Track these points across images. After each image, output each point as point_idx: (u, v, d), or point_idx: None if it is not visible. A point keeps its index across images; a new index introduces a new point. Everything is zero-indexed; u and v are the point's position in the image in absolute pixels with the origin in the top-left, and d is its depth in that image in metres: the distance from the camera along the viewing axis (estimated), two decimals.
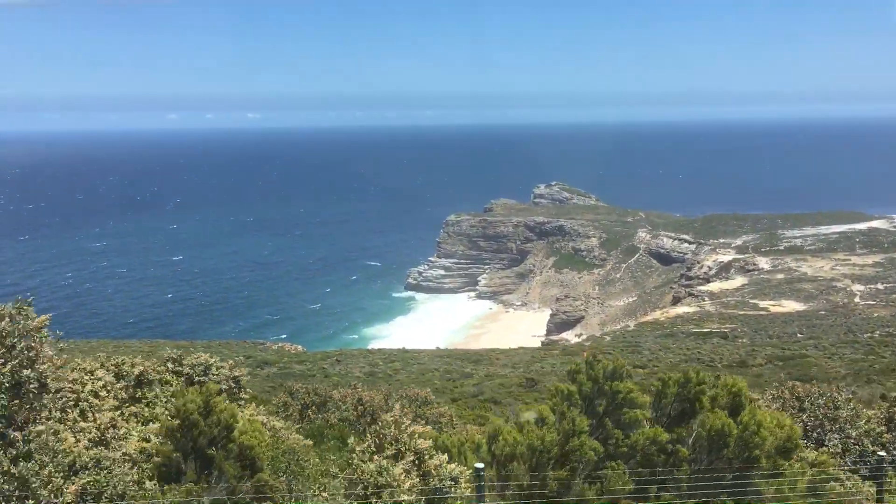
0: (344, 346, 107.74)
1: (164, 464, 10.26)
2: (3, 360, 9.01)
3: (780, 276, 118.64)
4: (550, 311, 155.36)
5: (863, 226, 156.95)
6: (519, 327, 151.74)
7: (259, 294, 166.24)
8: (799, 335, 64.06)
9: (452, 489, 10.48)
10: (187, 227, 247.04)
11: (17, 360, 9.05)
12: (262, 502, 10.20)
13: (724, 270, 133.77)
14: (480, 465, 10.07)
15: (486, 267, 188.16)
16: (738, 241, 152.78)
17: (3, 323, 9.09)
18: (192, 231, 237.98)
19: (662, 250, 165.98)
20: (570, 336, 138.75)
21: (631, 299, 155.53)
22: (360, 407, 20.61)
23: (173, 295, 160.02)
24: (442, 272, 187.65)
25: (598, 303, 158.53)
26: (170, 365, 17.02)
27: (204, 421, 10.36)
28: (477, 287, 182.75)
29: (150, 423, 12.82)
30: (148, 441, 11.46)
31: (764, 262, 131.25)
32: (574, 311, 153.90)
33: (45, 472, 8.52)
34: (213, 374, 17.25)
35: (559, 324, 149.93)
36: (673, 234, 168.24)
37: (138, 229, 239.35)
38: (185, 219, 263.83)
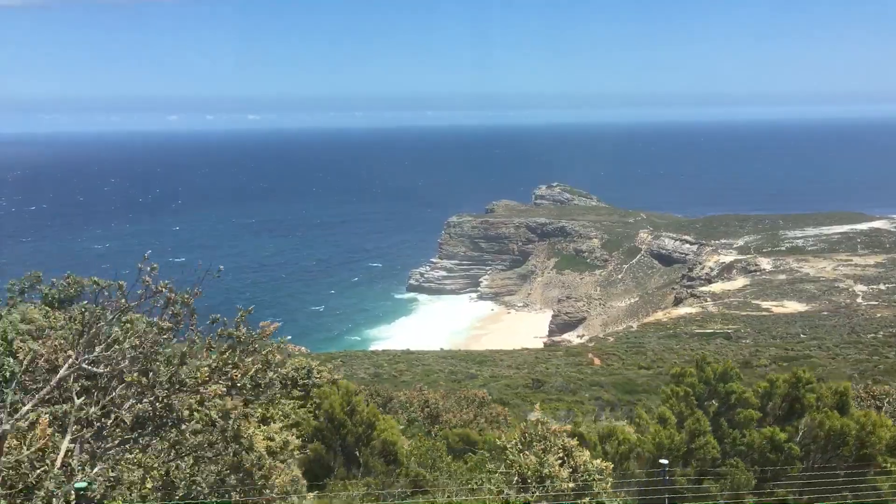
0: (347, 348, 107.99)
1: (314, 459, 10.96)
2: (244, 364, 9.96)
3: (782, 276, 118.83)
4: (552, 313, 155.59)
5: (864, 226, 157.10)
6: (521, 328, 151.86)
7: (262, 295, 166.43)
8: (802, 336, 64.25)
9: (596, 483, 11.28)
10: (190, 228, 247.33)
11: (259, 364, 10.07)
12: (414, 496, 10.81)
13: (725, 271, 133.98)
14: (665, 462, 10.84)
15: (488, 268, 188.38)
16: (740, 242, 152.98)
17: (243, 330, 10.10)
18: (195, 232, 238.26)
19: (664, 251, 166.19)
20: (573, 337, 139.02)
21: (633, 300, 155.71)
22: (426, 408, 21.06)
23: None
24: (444, 273, 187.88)
25: (600, 304, 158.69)
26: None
27: (350, 420, 11.03)
28: (479, 288, 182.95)
29: (271, 423, 13.48)
30: (272, 440, 11.99)
31: (766, 263, 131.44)
32: (576, 312, 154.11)
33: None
34: (316, 377, 17.84)
35: (561, 325, 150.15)
36: (674, 235, 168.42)
37: (141, 231, 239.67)
38: (187, 220, 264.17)
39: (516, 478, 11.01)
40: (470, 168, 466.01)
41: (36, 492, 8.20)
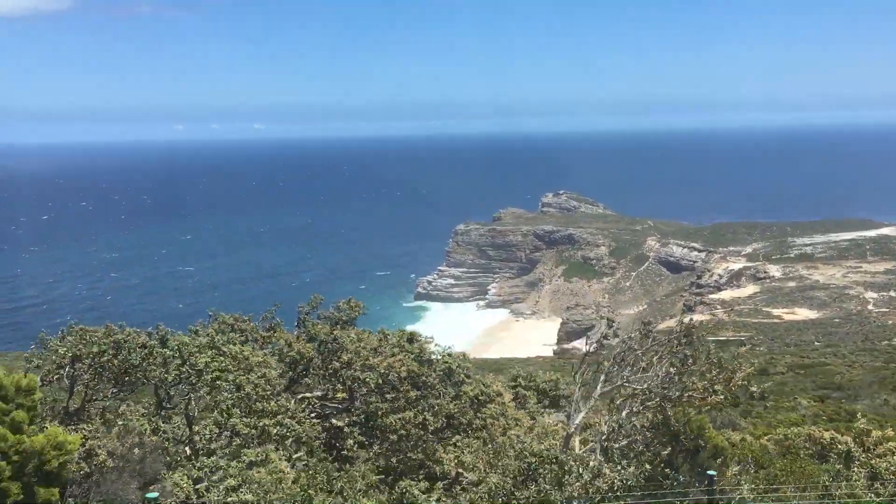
0: None
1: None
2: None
3: (792, 283, 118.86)
4: (561, 320, 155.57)
5: (872, 233, 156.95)
6: (530, 336, 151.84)
7: (270, 304, 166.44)
8: (816, 343, 64.31)
9: None
10: (199, 237, 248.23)
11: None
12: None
13: (735, 278, 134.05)
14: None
15: (496, 276, 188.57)
16: (748, 249, 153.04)
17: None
18: (205, 241, 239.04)
19: (672, 258, 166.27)
20: (582, 345, 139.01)
21: (641, 307, 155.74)
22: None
23: (185, 305, 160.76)
24: (451, 281, 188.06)
25: (609, 311, 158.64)
26: (521, 381, 21.11)
27: (683, 429, 13.24)
28: (486, 296, 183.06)
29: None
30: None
31: (775, 270, 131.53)
32: (584, 319, 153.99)
33: None
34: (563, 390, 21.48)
35: (570, 332, 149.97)
36: (682, 243, 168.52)
37: (150, 240, 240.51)
38: (196, 229, 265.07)
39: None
40: (476, 176, 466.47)
41: None
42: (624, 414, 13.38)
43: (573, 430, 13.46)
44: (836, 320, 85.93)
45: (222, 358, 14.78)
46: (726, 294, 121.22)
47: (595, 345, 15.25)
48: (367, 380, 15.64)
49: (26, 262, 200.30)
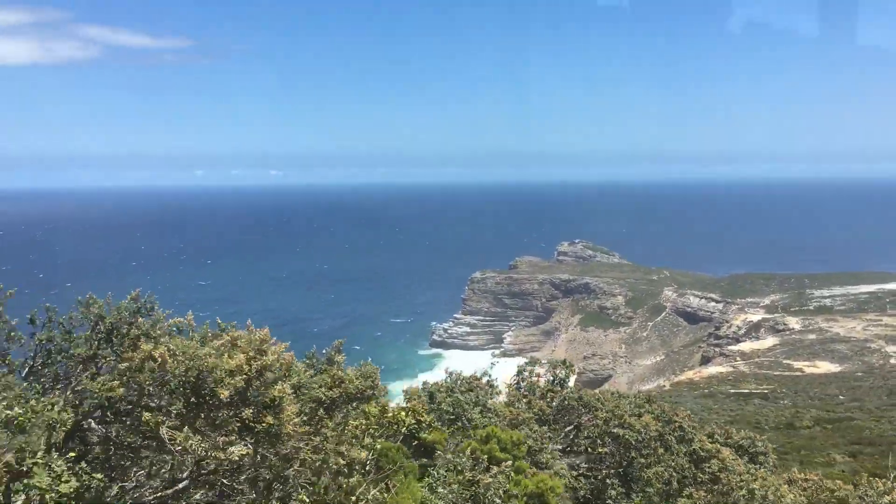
0: None
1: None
2: None
3: (812, 336, 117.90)
4: (577, 370, 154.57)
5: (892, 286, 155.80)
6: None
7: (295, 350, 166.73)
8: (841, 397, 63.80)
9: None
10: (217, 282, 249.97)
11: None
12: None
13: (753, 330, 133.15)
14: None
15: (512, 324, 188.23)
16: (766, 301, 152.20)
17: None
18: (223, 288, 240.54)
19: (689, 309, 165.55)
20: None
21: (658, 358, 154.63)
22: None
23: None
24: (467, 329, 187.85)
25: (626, 361, 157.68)
26: (717, 438, 22.33)
27: None
28: (502, 344, 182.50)
29: None
30: None
31: (794, 323, 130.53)
32: (602, 369, 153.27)
33: None
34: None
35: (587, 382, 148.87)
36: (699, 293, 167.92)
37: (166, 285, 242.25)
38: (213, 274, 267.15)
39: None
40: (491, 224, 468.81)
41: None
42: None
43: None
44: (859, 374, 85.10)
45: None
46: (745, 346, 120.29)
47: None
48: (627, 437, 17.42)
49: (41, 305, 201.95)
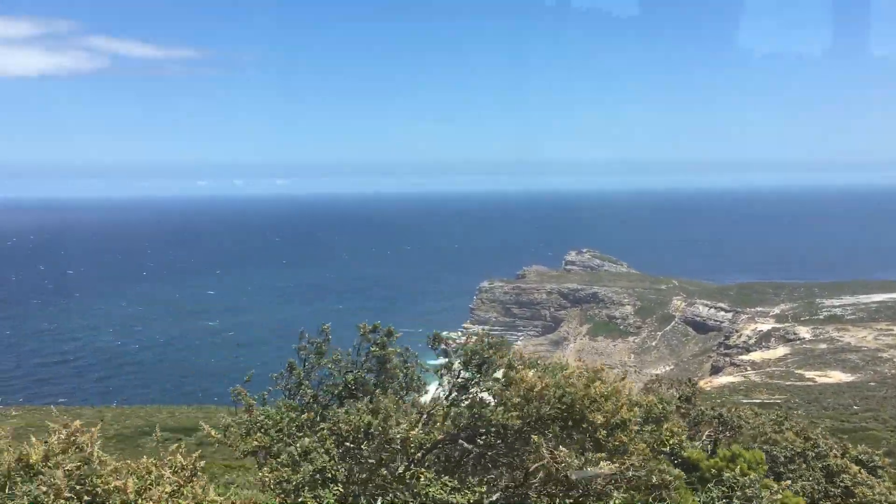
0: None
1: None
2: None
3: (823, 345, 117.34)
4: None
5: None
6: None
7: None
8: (855, 407, 63.45)
9: None
10: (223, 292, 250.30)
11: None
12: None
13: (764, 339, 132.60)
14: None
15: (520, 334, 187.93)
16: (776, 310, 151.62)
17: None
18: (229, 297, 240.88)
19: (698, 318, 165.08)
20: None
21: (668, 368, 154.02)
22: None
23: (210, 362, 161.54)
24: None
25: (635, 371, 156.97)
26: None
27: None
28: None
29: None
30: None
31: (805, 332, 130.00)
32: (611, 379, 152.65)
33: None
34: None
35: None
36: (709, 303, 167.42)
37: (173, 295, 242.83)
38: (220, 284, 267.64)
39: None
40: (498, 233, 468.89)
41: None
42: None
43: None
44: (872, 384, 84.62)
45: None
46: (756, 355, 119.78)
47: None
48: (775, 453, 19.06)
49: (53, 316, 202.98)
